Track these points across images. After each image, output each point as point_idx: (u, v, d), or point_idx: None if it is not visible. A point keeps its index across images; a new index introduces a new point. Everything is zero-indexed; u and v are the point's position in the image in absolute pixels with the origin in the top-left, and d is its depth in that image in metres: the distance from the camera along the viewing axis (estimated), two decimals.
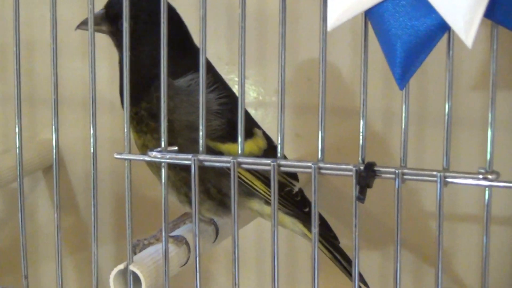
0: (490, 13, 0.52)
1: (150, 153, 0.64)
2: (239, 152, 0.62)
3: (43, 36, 1.03)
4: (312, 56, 0.95)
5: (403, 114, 0.58)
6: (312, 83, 0.96)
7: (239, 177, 0.74)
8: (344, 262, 0.79)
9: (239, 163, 0.62)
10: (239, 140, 0.62)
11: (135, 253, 0.70)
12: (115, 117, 0.97)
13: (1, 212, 1.09)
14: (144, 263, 0.67)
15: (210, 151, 0.72)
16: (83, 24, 0.75)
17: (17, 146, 0.68)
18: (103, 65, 0.90)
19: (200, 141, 0.63)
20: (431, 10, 0.53)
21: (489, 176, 0.56)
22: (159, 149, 0.64)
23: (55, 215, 0.68)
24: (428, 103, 0.91)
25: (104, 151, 0.72)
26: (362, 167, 0.58)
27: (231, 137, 0.74)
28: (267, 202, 0.76)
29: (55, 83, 0.66)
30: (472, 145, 0.90)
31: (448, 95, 0.57)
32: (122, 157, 0.65)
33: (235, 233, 0.63)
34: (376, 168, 0.58)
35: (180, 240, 0.74)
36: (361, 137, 0.59)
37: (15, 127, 0.68)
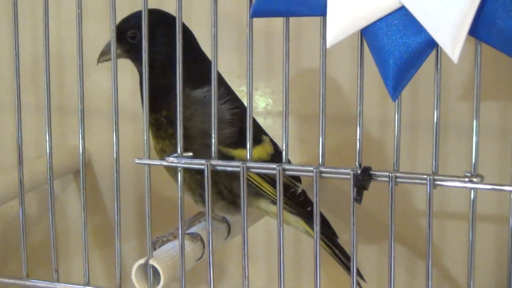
0: (473, 32, 0.52)
1: (167, 158, 0.64)
2: (248, 157, 0.62)
3: (72, 52, 1.03)
4: (314, 69, 0.95)
5: (396, 123, 0.58)
6: (314, 93, 0.96)
7: (248, 180, 0.74)
8: (342, 257, 0.79)
9: (248, 168, 0.62)
10: (248, 146, 0.62)
11: (154, 249, 0.70)
12: (138, 125, 0.98)
13: (36, 211, 1.10)
14: (162, 258, 0.68)
15: (223, 156, 0.73)
16: (102, 56, 0.75)
17: (48, 152, 0.69)
18: (126, 77, 0.90)
19: (213, 148, 0.63)
20: (420, 29, 0.53)
21: (474, 179, 0.57)
22: (175, 154, 0.64)
23: (82, 214, 0.68)
24: (421, 112, 0.91)
25: (128, 156, 0.72)
26: (359, 171, 0.58)
27: (242, 144, 0.74)
28: (273, 202, 0.77)
29: (81, 95, 0.67)
30: (461, 150, 0.90)
31: (436, 105, 0.57)
32: (142, 162, 0.65)
33: (244, 230, 0.63)
34: (371, 172, 0.58)
35: (195, 237, 0.75)
36: (357, 144, 0.59)
37: (41, 135, 0.68)
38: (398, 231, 0.93)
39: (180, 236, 0.65)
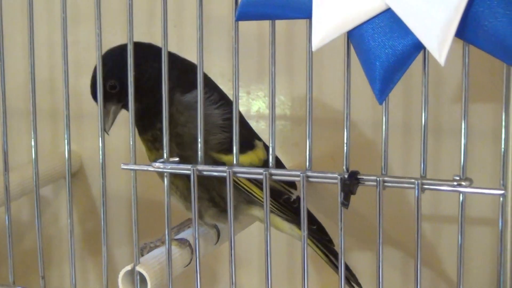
0: (461, 34, 0.52)
1: (153, 164, 0.64)
2: (234, 162, 0.62)
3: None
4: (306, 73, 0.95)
5: (383, 126, 0.58)
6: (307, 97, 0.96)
7: (240, 186, 0.74)
8: (337, 264, 0.78)
9: (234, 172, 0.62)
10: (234, 151, 0.62)
11: (142, 255, 0.70)
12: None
13: (28, 216, 1.10)
14: (150, 264, 0.67)
15: (214, 162, 0.73)
16: (106, 124, 0.75)
17: (33, 157, 0.69)
18: None
19: (199, 153, 0.63)
20: (407, 31, 0.52)
21: (463, 183, 0.56)
22: (161, 160, 0.64)
23: (68, 220, 0.68)
24: (414, 115, 0.90)
25: (121, 161, 0.72)
26: (346, 175, 0.58)
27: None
28: None
29: (67, 100, 0.67)
30: (454, 153, 0.90)
31: (424, 108, 0.57)
32: (128, 167, 0.65)
33: (231, 236, 0.63)
34: (359, 176, 0.58)
35: (184, 243, 0.74)
36: (345, 148, 0.59)
37: (31, 140, 0.68)
38: (394, 234, 0.93)
39: (167, 241, 0.64)
